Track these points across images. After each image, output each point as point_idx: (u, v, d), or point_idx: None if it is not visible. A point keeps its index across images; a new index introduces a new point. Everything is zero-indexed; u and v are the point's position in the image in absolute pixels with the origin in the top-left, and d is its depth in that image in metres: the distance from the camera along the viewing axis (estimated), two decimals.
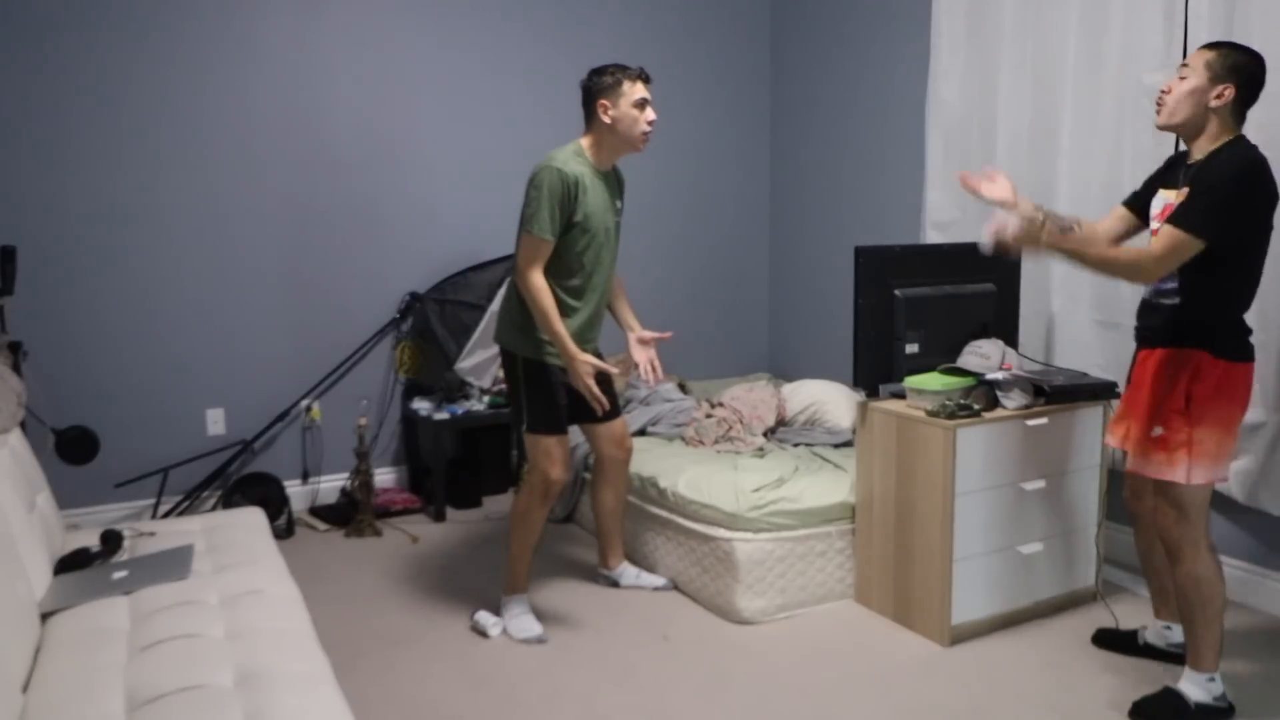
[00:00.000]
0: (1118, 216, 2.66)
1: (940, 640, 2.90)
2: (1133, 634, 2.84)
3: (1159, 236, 2.32)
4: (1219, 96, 2.32)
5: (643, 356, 3.04)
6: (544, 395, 2.96)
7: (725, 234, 5.15)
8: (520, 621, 3.03)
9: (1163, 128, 2.44)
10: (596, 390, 2.87)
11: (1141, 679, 2.66)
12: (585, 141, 2.93)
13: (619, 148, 2.93)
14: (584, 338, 2.97)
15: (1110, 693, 2.61)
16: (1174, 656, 2.75)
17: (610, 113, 2.86)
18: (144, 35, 3.80)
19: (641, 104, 2.86)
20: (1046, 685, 2.67)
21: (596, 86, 2.88)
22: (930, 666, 2.79)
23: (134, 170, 3.84)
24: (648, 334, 3.08)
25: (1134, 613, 3.02)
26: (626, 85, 2.85)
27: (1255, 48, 2.88)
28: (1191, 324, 2.37)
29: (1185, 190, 2.35)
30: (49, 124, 3.69)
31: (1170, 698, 2.47)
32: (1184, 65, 2.40)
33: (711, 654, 2.88)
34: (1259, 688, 2.63)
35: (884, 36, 4.38)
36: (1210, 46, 2.38)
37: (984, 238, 2.37)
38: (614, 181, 3.04)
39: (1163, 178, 2.55)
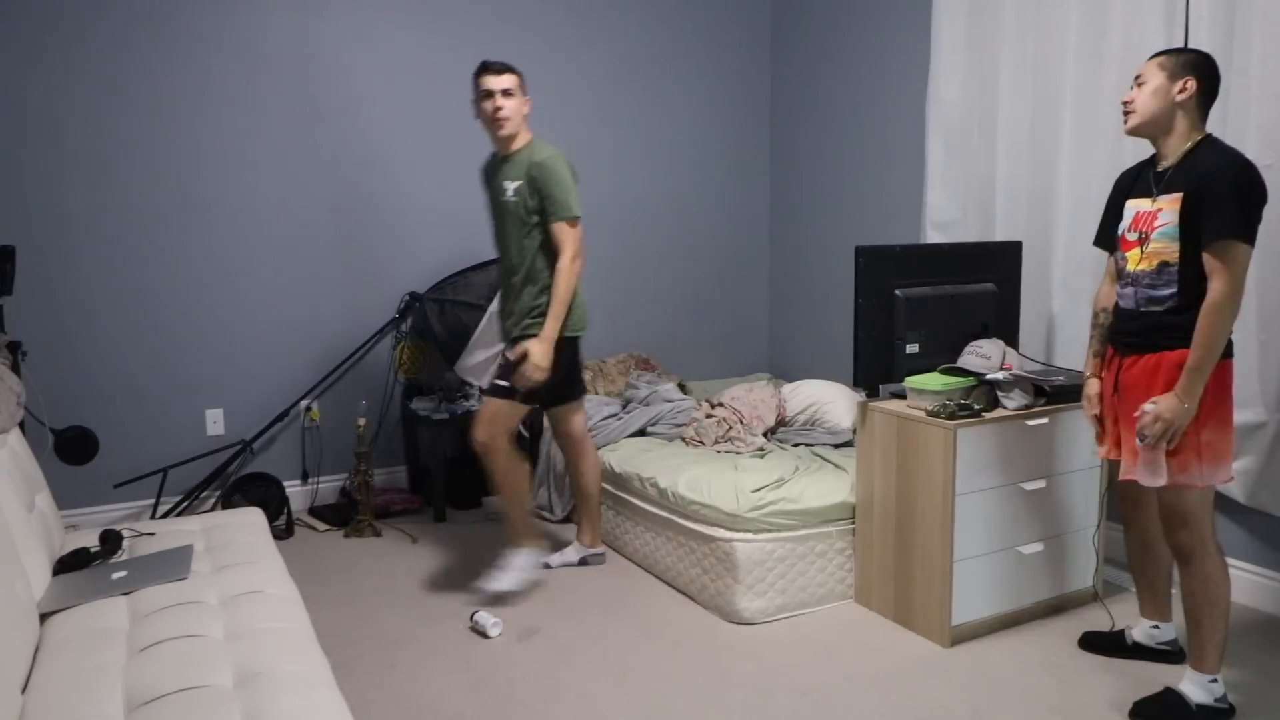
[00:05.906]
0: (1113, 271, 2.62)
1: (940, 640, 2.91)
2: (1120, 634, 2.85)
3: (1221, 259, 2.25)
4: (1183, 90, 2.35)
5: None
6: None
7: (725, 234, 5.15)
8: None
9: (1131, 132, 2.44)
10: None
11: (1140, 679, 2.67)
12: None
13: (490, 135, 3.20)
14: (506, 311, 3.28)
15: (1110, 693, 2.61)
16: (1164, 654, 2.76)
17: (474, 106, 3.17)
18: (143, 38, 3.80)
19: (484, 95, 3.10)
20: (1046, 685, 2.67)
21: None
22: (930, 667, 2.79)
23: (133, 170, 3.84)
24: None
25: (1134, 613, 3.02)
26: (477, 81, 3.12)
27: (1255, 48, 2.90)
28: (1188, 325, 2.33)
29: (1173, 196, 2.33)
30: (49, 124, 3.69)
31: (1171, 698, 2.47)
32: (1138, 76, 2.42)
33: (711, 654, 2.88)
34: (1259, 689, 2.63)
35: (884, 36, 4.38)
36: (1159, 54, 2.41)
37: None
38: (511, 165, 3.18)
39: (1127, 194, 2.53)
